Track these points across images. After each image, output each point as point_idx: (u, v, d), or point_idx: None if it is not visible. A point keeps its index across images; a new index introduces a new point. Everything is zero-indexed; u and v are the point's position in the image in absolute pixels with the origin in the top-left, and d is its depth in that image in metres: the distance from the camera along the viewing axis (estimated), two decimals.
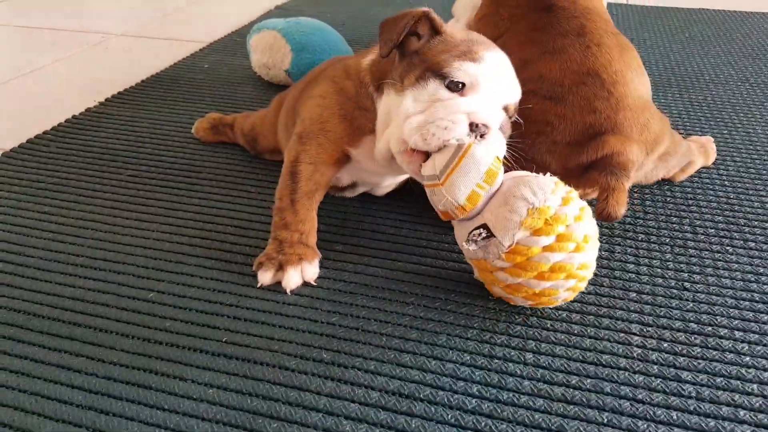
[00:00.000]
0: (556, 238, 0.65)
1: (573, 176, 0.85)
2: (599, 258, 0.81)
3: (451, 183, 0.67)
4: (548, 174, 0.70)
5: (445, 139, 0.67)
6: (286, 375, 0.64)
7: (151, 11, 2.00)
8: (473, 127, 0.67)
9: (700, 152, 0.99)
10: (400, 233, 0.87)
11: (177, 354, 0.67)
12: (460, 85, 0.69)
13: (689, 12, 1.86)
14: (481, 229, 0.68)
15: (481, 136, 0.67)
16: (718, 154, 1.05)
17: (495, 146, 0.68)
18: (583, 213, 0.67)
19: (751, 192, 0.96)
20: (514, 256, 0.66)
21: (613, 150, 0.81)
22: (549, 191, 0.66)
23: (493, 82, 0.69)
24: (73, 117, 1.22)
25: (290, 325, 0.71)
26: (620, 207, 0.80)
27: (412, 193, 0.94)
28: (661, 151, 0.88)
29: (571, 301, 0.73)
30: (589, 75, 0.84)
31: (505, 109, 0.72)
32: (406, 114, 0.70)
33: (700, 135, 1.11)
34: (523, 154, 0.85)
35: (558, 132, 0.83)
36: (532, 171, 0.86)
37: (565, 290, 0.67)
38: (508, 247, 0.66)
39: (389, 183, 0.89)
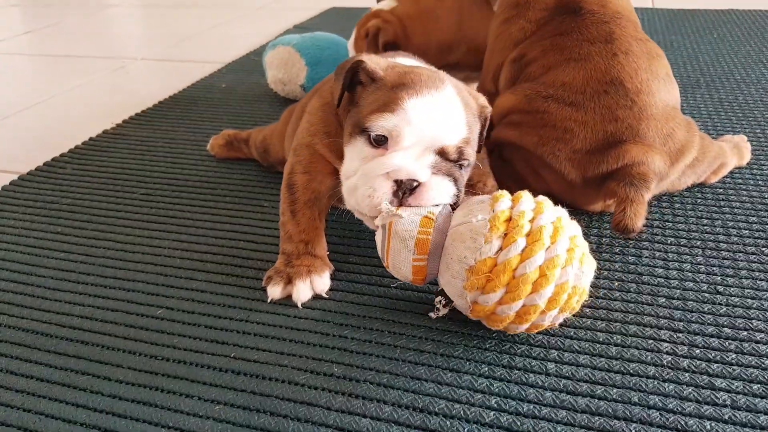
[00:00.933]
0: (506, 290, 0.60)
1: (592, 186, 0.81)
2: (626, 263, 0.77)
3: (392, 265, 0.66)
4: (483, 218, 0.62)
5: (373, 206, 0.65)
6: (296, 390, 0.61)
7: (170, 36, 2.02)
8: (399, 184, 0.64)
9: (733, 153, 0.95)
10: None
11: (184, 371, 0.65)
12: (382, 138, 0.66)
13: (717, 13, 1.81)
14: (441, 297, 0.67)
15: (411, 191, 0.65)
16: (751, 159, 1.00)
17: (419, 210, 0.63)
18: (534, 246, 0.59)
19: None
20: (478, 312, 0.63)
21: (634, 160, 0.78)
22: (482, 241, 0.60)
23: (417, 129, 0.65)
24: (90, 139, 1.22)
25: (300, 339, 0.68)
26: (638, 219, 0.75)
27: None
28: (689, 160, 0.83)
29: (596, 308, 0.69)
30: (612, 84, 0.81)
31: (442, 152, 0.66)
32: (345, 174, 0.69)
33: (732, 135, 1.06)
34: (543, 160, 0.82)
35: (578, 139, 0.80)
36: (550, 179, 0.84)
37: (555, 317, 0.62)
38: (468, 308, 0.63)
39: None
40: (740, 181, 0.94)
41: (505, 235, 0.60)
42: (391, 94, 0.66)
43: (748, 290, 0.71)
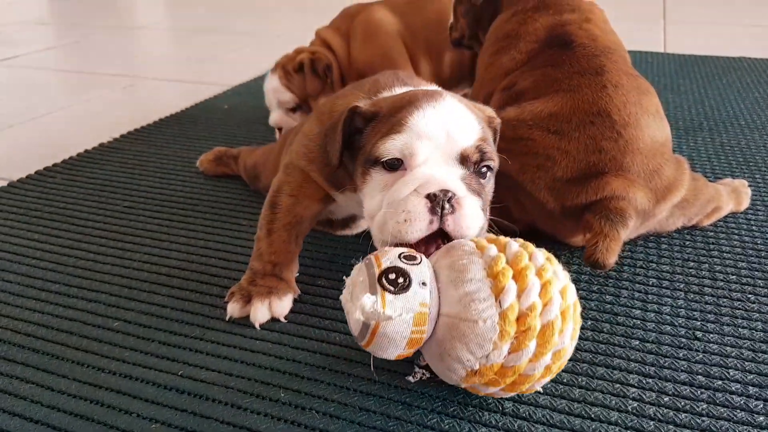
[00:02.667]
0: (508, 384, 0.54)
1: (571, 217, 0.78)
2: (602, 301, 0.74)
3: (372, 351, 0.55)
4: (490, 317, 0.52)
5: (412, 232, 0.59)
6: (237, 414, 0.59)
7: (185, 58, 2.05)
8: (433, 200, 0.59)
9: (731, 197, 0.91)
10: None
11: (128, 385, 0.63)
12: (396, 162, 0.62)
13: (728, 60, 1.78)
14: (424, 371, 0.61)
15: (450, 207, 0.59)
16: (747, 213, 0.96)
17: (410, 302, 0.53)
18: (545, 348, 0.53)
19: None
20: (470, 389, 0.57)
21: (614, 193, 0.75)
22: (489, 347, 0.52)
23: (429, 140, 0.61)
24: (85, 151, 1.23)
25: (252, 361, 0.65)
26: (610, 255, 0.72)
27: None
28: (677, 200, 0.80)
29: None
30: (599, 115, 0.78)
31: (464, 158, 0.62)
32: (370, 214, 0.64)
33: (732, 179, 1.03)
34: (524, 187, 0.79)
35: (559, 167, 0.78)
36: (530, 207, 0.81)
37: (539, 381, 0.56)
38: (459, 385, 0.57)
39: None
40: (733, 225, 0.90)
41: (516, 337, 0.52)
42: (393, 119, 0.63)
43: (728, 337, 0.67)
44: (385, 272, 0.53)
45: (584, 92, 0.80)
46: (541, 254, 0.56)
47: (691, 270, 0.80)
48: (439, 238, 0.60)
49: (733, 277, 0.78)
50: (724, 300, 0.74)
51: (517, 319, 0.52)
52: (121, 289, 0.78)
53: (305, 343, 0.68)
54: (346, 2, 1.43)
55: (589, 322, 0.70)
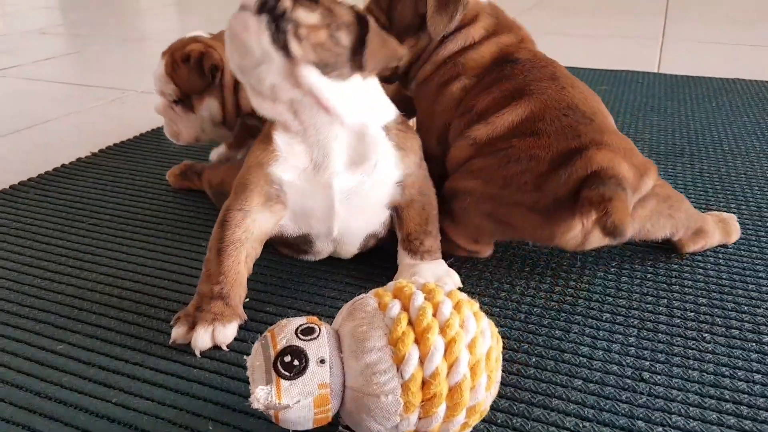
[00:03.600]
0: None
1: (566, 206, 0.75)
2: (551, 336, 0.72)
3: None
4: (392, 391, 0.51)
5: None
6: None
7: None
8: None
9: (718, 226, 0.90)
10: (342, 297, 0.80)
11: (61, 412, 0.62)
12: None
13: (721, 81, 1.76)
14: (347, 429, 0.58)
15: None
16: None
17: (307, 385, 0.51)
18: (456, 408, 0.52)
19: (748, 273, 0.85)
20: None
21: (602, 165, 0.74)
22: (397, 419, 0.51)
23: None
24: (62, 166, 1.23)
25: (186, 390, 0.65)
26: (623, 216, 0.69)
27: (381, 256, 0.88)
28: (650, 184, 0.79)
29: (504, 385, 0.64)
30: (569, 108, 0.81)
31: None
32: None
33: (704, 208, 1.01)
34: (512, 199, 0.79)
35: (543, 162, 0.77)
36: (520, 221, 0.80)
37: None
38: None
39: (354, 230, 0.81)
40: (699, 258, 0.88)
41: (422, 406, 0.51)
42: None
43: (676, 380, 0.66)
44: (281, 354, 0.52)
45: (548, 92, 0.82)
46: (449, 304, 0.54)
47: (648, 306, 0.78)
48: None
49: (691, 314, 0.76)
50: (678, 339, 0.72)
51: (422, 386, 0.51)
52: (71, 311, 0.78)
53: (242, 373, 0.67)
54: None
55: (534, 359, 0.69)
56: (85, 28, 2.91)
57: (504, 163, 0.79)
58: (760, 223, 0.98)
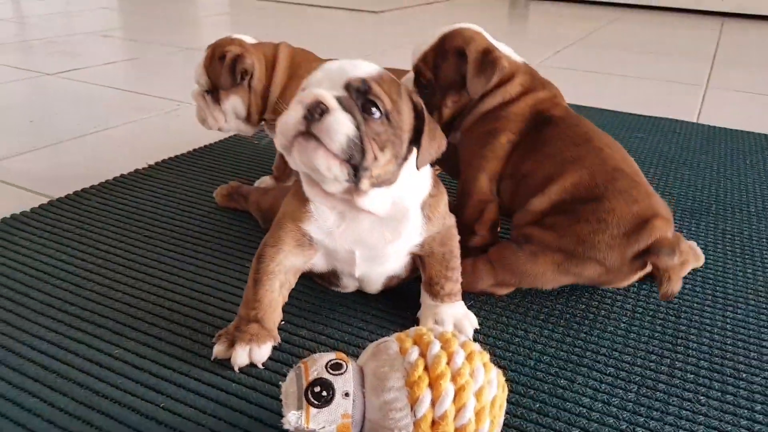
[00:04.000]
0: None
1: (630, 264, 0.89)
2: (557, 386, 0.79)
3: None
4: (405, 426, 0.59)
5: (286, 122, 0.70)
6: None
7: None
8: (309, 108, 0.69)
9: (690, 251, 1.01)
10: (368, 329, 0.88)
11: (116, 411, 0.71)
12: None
13: (760, 137, 1.79)
14: None
15: (320, 114, 0.69)
16: (729, 297, 1.00)
17: (331, 416, 0.59)
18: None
19: (752, 341, 0.90)
20: None
21: (661, 233, 0.87)
22: None
23: (323, 72, 0.74)
24: (121, 176, 1.34)
25: (225, 402, 0.73)
26: (679, 283, 0.87)
27: (406, 293, 0.95)
28: None
29: (507, 426, 0.71)
30: (615, 171, 0.91)
31: (347, 85, 0.72)
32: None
33: (721, 270, 1.07)
34: (584, 255, 0.89)
35: (613, 226, 0.88)
36: (588, 271, 0.91)
37: None
38: None
39: (376, 275, 0.89)
40: (708, 321, 0.93)
41: None
42: None
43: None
44: (312, 385, 0.60)
45: (589, 158, 0.93)
46: (462, 354, 0.62)
47: (651, 364, 0.84)
48: (310, 139, 0.70)
49: (691, 376, 0.82)
50: (675, 399, 0.78)
51: (432, 425, 0.58)
52: (126, 318, 0.88)
53: (274, 391, 0.75)
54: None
55: (537, 405, 0.75)
56: (142, 32, 3.06)
57: (574, 223, 0.90)
58: None
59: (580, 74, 2.54)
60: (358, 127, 0.71)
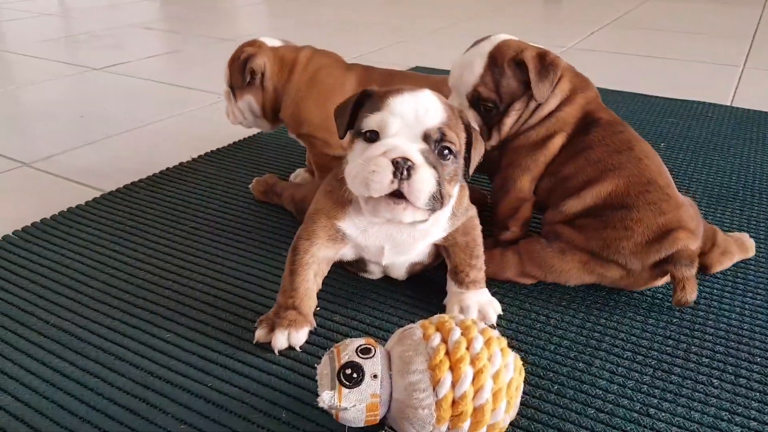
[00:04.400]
0: None
1: (650, 271, 0.95)
2: (575, 369, 0.84)
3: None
4: (428, 406, 0.65)
5: (380, 182, 0.74)
6: (246, 426, 0.74)
7: None
8: (396, 166, 0.74)
9: (736, 244, 1.08)
10: (397, 314, 0.94)
11: (168, 390, 0.79)
12: (374, 134, 0.79)
13: None
14: (392, 429, 0.71)
15: (408, 174, 0.74)
16: (749, 284, 1.03)
17: (362, 394, 0.65)
18: (479, 425, 0.65)
19: None
20: None
21: (684, 244, 0.92)
22: (430, 428, 0.65)
23: (400, 118, 0.78)
24: (167, 169, 1.42)
25: (266, 382, 0.80)
26: (694, 293, 0.92)
27: (433, 281, 1.01)
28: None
29: (526, 406, 0.77)
30: (650, 183, 0.96)
31: (426, 136, 0.78)
32: (349, 172, 0.81)
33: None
34: (608, 258, 0.96)
35: (638, 234, 0.94)
36: (611, 273, 0.97)
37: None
38: None
39: (400, 262, 0.95)
40: (727, 308, 0.96)
41: (451, 419, 0.65)
42: (379, 100, 0.81)
43: (678, 418, 0.75)
44: (343, 367, 0.66)
45: (628, 168, 0.98)
46: (481, 340, 0.67)
47: (668, 348, 0.88)
48: (400, 201, 0.77)
49: (706, 360, 0.86)
50: (689, 382, 0.82)
51: (452, 405, 0.64)
52: (176, 305, 0.95)
53: (311, 372, 0.82)
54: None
55: (556, 387, 0.80)
56: (182, 24, 3.15)
57: (602, 228, 0.96)
58: None
59: (614, 57, 2.53)
60: (438, 180, 0.78)
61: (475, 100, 1.03)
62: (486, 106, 1.02)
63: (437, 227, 0.90)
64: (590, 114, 1.03)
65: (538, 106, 1.02)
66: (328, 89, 1.23)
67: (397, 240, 0.89)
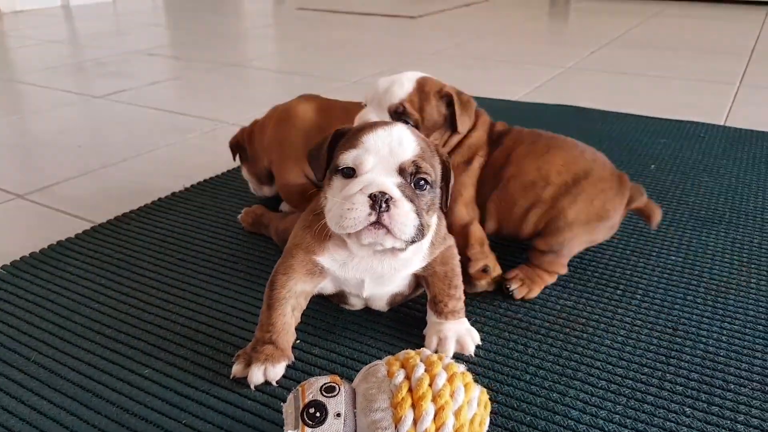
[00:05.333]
0: None
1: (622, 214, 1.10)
2: (549, 399, 0.84)
3: None
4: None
5: (355, 218, 0.77)
6: None
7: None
8: (374, 200, 0.77)
9: None
10: (377, 346, 0.95)
11: (143, 427, 0.80)
12: (350, 170, 0.81)
13: None
14: None
15: (386, 207, 0.77)
16: (729, 308, 1.03)
17: (327, 431, 0.66)
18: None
19: (745, 352, 0.92)
20: None
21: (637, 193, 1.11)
22: None
23: (375, 154, 0.81)
24: (159, 199, 1.45)
25: (240, 418, 0.81)
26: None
27: (413, 312, 1.02)
28: None
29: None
30: (594, 161, 1.12)
31: (402, 169, 0.81)
32: (328, 210, 0.83)
33: (726, 281, 1.10)
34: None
35: (613, 196, 1.08)
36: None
37: None
38: None
39: (381, 294, 0.96)
40: (704, 333, 0.96)
41: None
42: (353, 138, 0.84)
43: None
44: (307, 406, 0.67)
45: (566, 147, 1.12)
46: (444, 376, 0.68)
47: (642, 377, 0.88)
48: (381, 228, 0.79)
49: (680, 388, 0.86)
50: (661, 411, 0.82)
51: None
52: (157, 339, 0.97)
53: None
54: None
55: (528, 418, 0.81)
56: (187, 49, 3.20)
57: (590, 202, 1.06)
58: None
59: (612, 77, 2.54)
60: (417, 212, 0.80)
61: (398, 114, 1.07)
62: (408, 123, 1.05)
63: (417, 257, 0.91)
64: (492, 132, 1.13)
65: (450, 137, 1.10)
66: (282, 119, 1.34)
67: (378, 272, 0.90)
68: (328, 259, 0.89)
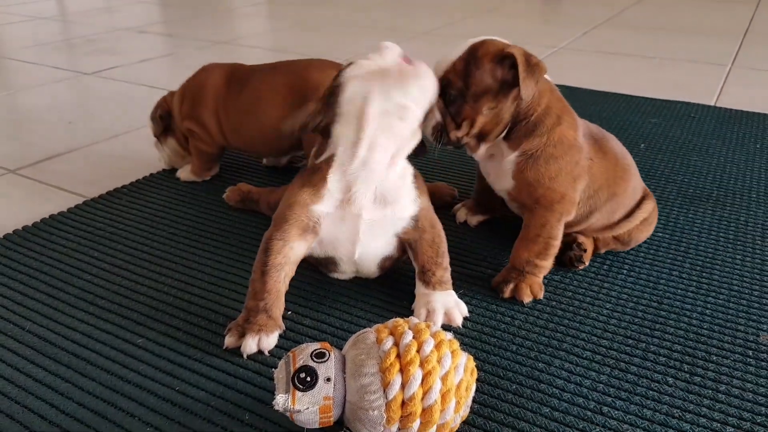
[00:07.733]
0: None
1: None
2: (534, 368, 0.85)
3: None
4: (378, 407, 0.68)
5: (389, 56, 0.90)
6: (208, 427, 0.76)
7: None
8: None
9: None
10: (367, 317, 0.96)
11: (136, 393, 0.81)
12: None
13: None
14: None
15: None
16: (713, 283, 1.05)
17: (315, 397, 0.68)
18: (428, 425, 0.67)
19: (729, 325, 0.94)
20: None
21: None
22: (381, 429, 0.68)
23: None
24: (150, 175, 1.45)
25: (232, 385, 0.83)
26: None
27: (401, 284, 1.04)
28: None
29: (482, 405, 0.79)
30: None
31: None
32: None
33: (711, 258, 1.11)
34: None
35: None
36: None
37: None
38: None
39: (371, 256, 0.96)
40: (688, 307, 0.98)
41: (401, 420, 0.67)
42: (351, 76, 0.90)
43: (630, 416, 0.78)
44: (298, 371, 0.69)
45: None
46: (431, 343, 0.69)
47: (627, 348, 0.90)
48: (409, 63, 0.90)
49: (663, 359, 0.88)
50: (644, 380, 0.84)
51: (402, 406, 0.66)
52: (150, 310, 0.98)
53: None
54: None
55: (514, 386, 0.82)
56: (178, 27, 3.18)
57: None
58: (758, 277, 1.06)
59: (604, 56, 2.54)
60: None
61: (443, 87, 0.99)
62: (450, 93, 0.99)
63: (407, 198, 0.93)
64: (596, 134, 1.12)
65: (516, 107, 1.00)
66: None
67: (373, 218, 0.91)
68: (326, 203, 0.90)
